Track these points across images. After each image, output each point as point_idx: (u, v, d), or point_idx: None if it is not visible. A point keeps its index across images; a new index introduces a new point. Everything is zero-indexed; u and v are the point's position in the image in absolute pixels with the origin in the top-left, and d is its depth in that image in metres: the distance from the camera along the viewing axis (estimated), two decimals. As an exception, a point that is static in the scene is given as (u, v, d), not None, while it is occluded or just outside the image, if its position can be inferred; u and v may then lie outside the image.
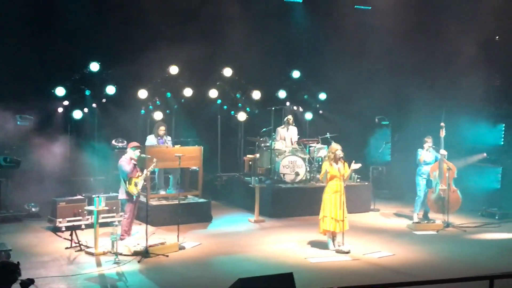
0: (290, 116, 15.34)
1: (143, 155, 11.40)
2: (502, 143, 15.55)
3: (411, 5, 15.84)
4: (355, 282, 8.81)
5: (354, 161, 11.00)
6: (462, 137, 15.64)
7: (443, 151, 12.87)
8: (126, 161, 11.11)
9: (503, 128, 15.57)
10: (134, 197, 11.19)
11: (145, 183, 11.53)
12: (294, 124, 15.48)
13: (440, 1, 16.21)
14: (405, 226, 13.04)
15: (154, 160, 11.40)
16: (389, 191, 16.53)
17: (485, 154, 15.10)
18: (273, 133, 15.00)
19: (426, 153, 13.00)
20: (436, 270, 9.84)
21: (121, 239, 10.89)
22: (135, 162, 11.16)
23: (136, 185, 11.08)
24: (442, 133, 12.93)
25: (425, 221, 13.06)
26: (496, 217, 13.72)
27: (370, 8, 17.74)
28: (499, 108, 16.15)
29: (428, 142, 13.01)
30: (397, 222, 13.53)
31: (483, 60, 15.62)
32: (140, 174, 11.17)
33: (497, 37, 16.83)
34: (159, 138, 13.48)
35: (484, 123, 15.77)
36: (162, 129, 13.52)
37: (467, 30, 15.97)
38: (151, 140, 13.48)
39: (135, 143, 11.38)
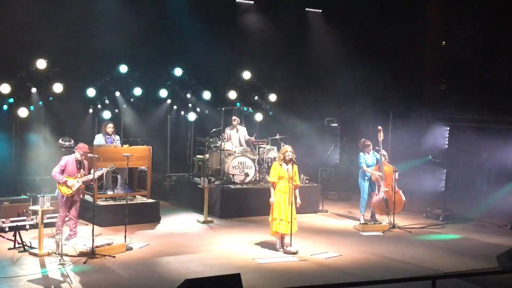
0: (234, 118, 15.31)
1: (89, 155, 11.19)
2: (447, 146, 15.94)
3: (361, 10, 16.08)
4: (302, 283, 8.89)
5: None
6: (408, 139, 15.96)
7: (383, 151, 13.07)
8: (66, 160, 10.86)
9: (448, 131, 15.95)
10: (64, 198, 10.81)
11: (92, 183, 11.32)
12: (243, 125, 15.52)
13: (389, 5, 16.47)
14: (352, 227, 13.21)
15: (111, 165, 11.31)
16: (337, 192, 16.71)
17: (430, 157, 15.45)
18: (223, 134, 15.01)
19: (368, 156, 13.18)
20: (382, 270, 9.99)
21: (70, 238, 10.73)
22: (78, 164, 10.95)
23: (68, 185, 10.79)
24: (380, 136, 13.14)
25: (372, 222, 13.27)
26: (440, 218, 14.01)
27: (321, 11, 17.97)
28: (444, 111, 16.56)
29: (369, 146, 13.17)
30: (345, 223, 13.69)
31: (429, 65, 16.01)
32: (80, 175, 10.90)
33: (443, 42, 17.26)
34: (107, 136, 13.29)
35: (430, 126, 16.15)
36: (110, 127, 13.34)
37: (415, 34, 16.33)
38: (99, 139, 13.27)
39: (84, 149, 11.04)
